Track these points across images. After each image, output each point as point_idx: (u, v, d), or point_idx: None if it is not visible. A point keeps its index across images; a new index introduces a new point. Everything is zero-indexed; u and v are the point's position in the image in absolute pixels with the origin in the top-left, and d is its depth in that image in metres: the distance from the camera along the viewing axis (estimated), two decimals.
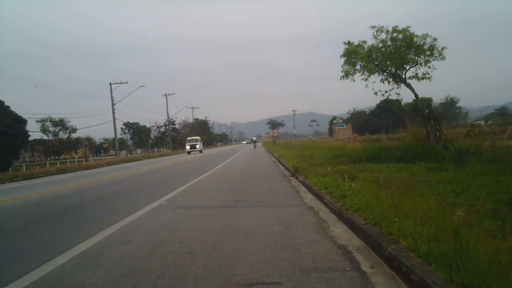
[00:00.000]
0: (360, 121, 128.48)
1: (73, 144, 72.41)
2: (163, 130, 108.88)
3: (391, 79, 17.70)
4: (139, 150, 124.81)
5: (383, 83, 17.81)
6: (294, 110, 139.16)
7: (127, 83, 51.32)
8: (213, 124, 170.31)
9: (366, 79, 16.97)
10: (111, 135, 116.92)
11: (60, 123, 67.31)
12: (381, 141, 50.44)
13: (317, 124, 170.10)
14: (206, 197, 9.97)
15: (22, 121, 53.64)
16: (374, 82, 16.97)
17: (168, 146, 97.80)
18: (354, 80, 17.18)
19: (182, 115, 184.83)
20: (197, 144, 62.69)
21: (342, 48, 17.50)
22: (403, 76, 17.13)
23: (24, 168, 42.20)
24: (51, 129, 66.43)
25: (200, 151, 61.83)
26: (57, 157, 66.18)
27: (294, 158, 22.33)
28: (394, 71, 17.10)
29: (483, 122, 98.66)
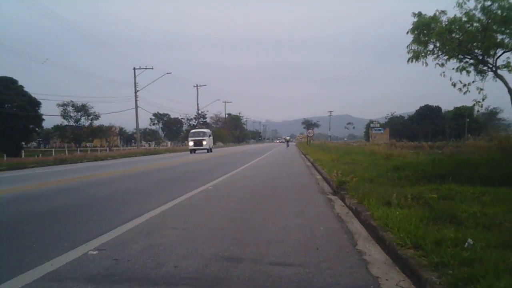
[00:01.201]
0: (398, 127, 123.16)
1: (95, 132, 69.49)
2: (194, 123, 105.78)
3: (471, 68, 13.06)
4: (169, 142, 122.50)
5: (460, 72, 13.16)
6: (330, 111, 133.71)
7: (152, 68, 47.99)
8: (246, 121, 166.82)
9: (442, 65, 12.40)
10: (142, 125, 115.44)
11: (82, 109, 64.47)
12: (423, 149, 45.48)
13: (354, 127, 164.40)
14: (184, 241, 5.21)
15: (35, 103, 50.60)
16: (453, 69, 12.38)
17: None
18: (426, 64, 12.59)
19: (214, 110, 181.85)
20: (203, 140, 44.40)
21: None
22: (492, 64, 12.47)
23: (23, 155, 39.24)
24: (73, 114, 63.99)
25: (209, 150, 45.10)
26: (77, 144, 63.44)
27: (333, 164, 17.99)
28: (480, 56, 12.47)
29: None
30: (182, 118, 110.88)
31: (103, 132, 73.09)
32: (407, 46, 12.74)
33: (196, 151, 43.39)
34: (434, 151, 41.44)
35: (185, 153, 42.99)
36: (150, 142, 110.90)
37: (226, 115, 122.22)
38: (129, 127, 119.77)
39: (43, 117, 54.34)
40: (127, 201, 8.85)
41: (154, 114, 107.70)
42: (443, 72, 12.49)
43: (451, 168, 11.26)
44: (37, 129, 56.42)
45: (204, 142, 44.07)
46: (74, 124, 63.13)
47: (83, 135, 64.93)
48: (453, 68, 12.98)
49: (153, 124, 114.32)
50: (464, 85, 13.23)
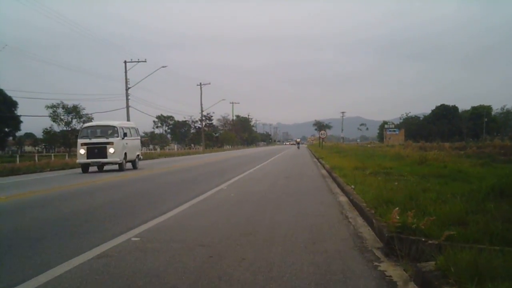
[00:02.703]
0: (413, 127, 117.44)
1: None
2: (199, 125, 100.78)
3: None
4: (175, 146, 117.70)
5: None
6: (343, 112, 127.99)
7: (145, 61, 42.66)
8: (255, 123, 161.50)
9: None
10: (147, 129, 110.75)
11: (74, 110, 59.05)
12: (446, 150, 40.08)
13: (367, 128, 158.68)
14: None
15: (11, 104, 45.21)
16: None
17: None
18: None
19: (222, 112, 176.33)
20: (109, 145, 20.57)
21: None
22: None
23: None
24: (63, 116, 58.50)
25: (122, 164, 21.10)
26: (68, 149, 58.31)
27: (358, 174, 12.84)
28: None
29: None
30: (186, 120, 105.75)
31: None
32: None
33: (94, 166, 21.58)
34: (457, 152, 36.24)
35: (182, 158, 37.97)
36: (156, 146, 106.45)
37: (234, 117, 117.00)
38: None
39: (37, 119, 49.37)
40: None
41: (158, 117, 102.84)
42: None
43: None
44: (13, 132, 51.42)
45: (111, 150, 20.37)
46: (65, 128, 58.08)
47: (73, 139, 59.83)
48: None
49: (157, 127, 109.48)
50: None
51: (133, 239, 5.55)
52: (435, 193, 7.22)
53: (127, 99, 42.44)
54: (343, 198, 9.48)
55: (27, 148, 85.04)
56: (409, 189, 8.00)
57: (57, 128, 59.31)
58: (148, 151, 57.81)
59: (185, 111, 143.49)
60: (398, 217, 4.84)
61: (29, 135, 67.25)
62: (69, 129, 58.98)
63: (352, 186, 9.95)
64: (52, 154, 48.58)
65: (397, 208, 5.16)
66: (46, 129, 58.94)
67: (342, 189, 10.61)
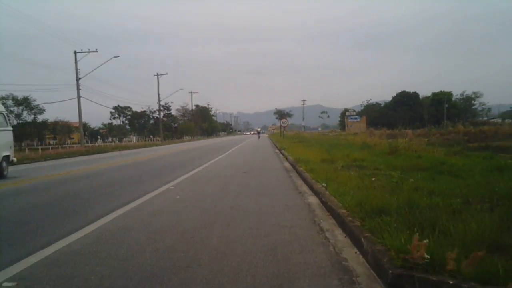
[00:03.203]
0: (374, 114, 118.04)
1: (39, 129, 59.88)
2: (157, 115, 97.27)
3: None
4: (134, 137, 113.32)
5: None
6: (303, 100, 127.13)
7: (96, 51, 39.71)
8: (216, 112, 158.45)
9: None
10: (105, 120, 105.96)
11: (24, 102, 55.04)
12: (409, 137, 39.74)
13: (328, 116, 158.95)
14: None
15: None
16: None
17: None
18: None
19: (181, 102, 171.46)
20: None
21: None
22: None
23: None
24: (13, 109, 54.00)
25: None
26: (21, 143, 54.05)
27: (327, 167, 11.31)
28: None
29: (499, 120, 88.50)
30: (144, 111, 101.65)
31: (46, 127, 63.37)
32: None
33: None
34: (420, 140, 35.41)
35: (138, 151, 35.51)
36: (114, 138, 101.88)
37: (194, 107, 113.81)
38: (93, 122, 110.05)
39: None
40: None
41: (114, 108, 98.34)
42: None
43: None
44: None
45: None
46: (15, 121, 53.78)
47: (25, 132, 55.48)
48: None
49: (114, 118, 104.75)
50: None
51: None
52: (440, 197, 5.56)
53: (78, 90, 39.43)
54: (313, 199, 7.77)
55: None
56: (396, 189, 6.38)
57: None
58: (103, 144, 54.52)
59: (145, 101, 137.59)
60: (424, 254, 3.07)
61: None
62: (20, 121, 55.01)
63: (324, 185, 8.27)
64: None
65: (417, 235, 3.38)
66: None
67: (311, 187, 8.92)
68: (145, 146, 48.47)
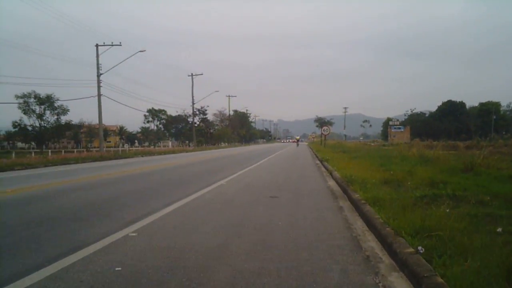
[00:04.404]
0: (418, 124, 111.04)
1: (60, 131, 57.11)
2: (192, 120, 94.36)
3: None
4: (169, 142, 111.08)
5: None
6: (345, 108, 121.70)
7: (120, 45, 36.52)
8: (254, 118, 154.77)
9: None
10: (139, 124, 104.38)
11: (47, 100, 52.00)
12: (460, 150, 34.40)
13: (370, 125, 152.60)
14: None
15: None
16: None
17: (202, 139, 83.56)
18: None
19: (219, 107, 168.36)
20: None
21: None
22: None
23: None
24: (35, 107, 51.62)
25: None
26: (43, 145, 51.72)
27: (393, 192, 7.00)
28: None
29: None
30: (179, 114, 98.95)
31: (69, 129, 61.16)
32: None
33: None
34: (472, 152, 30.06)
35: (160, 157, 32.05)
36: (150, 143, 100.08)
37: (231, 112, 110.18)
38: (130, 127, 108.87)
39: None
40: None
41: (148, 110, 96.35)
42: None
43: None
44: None
45: None
46: (37, 121, 51.52)
47: (48, 134, 52.99)
48: None
49: (148, 121, 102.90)
50: None
51: None
52: None
53: (99, 86, 36.26)
54: (399, 277, 3.55)
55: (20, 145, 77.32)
56: None
57: (27, 121, 52.88)
58: (129, 148, 51.45)
59: (180, 104, 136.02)
60: None
61: (16, 125, 58.08)
62: (42, 123, 52.57)
63: (420, 248, 4.03)
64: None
65: None
66: (16, 122, 52.43)
67: (384, 242, 4.68)
68: (173, 152, 44.96)
